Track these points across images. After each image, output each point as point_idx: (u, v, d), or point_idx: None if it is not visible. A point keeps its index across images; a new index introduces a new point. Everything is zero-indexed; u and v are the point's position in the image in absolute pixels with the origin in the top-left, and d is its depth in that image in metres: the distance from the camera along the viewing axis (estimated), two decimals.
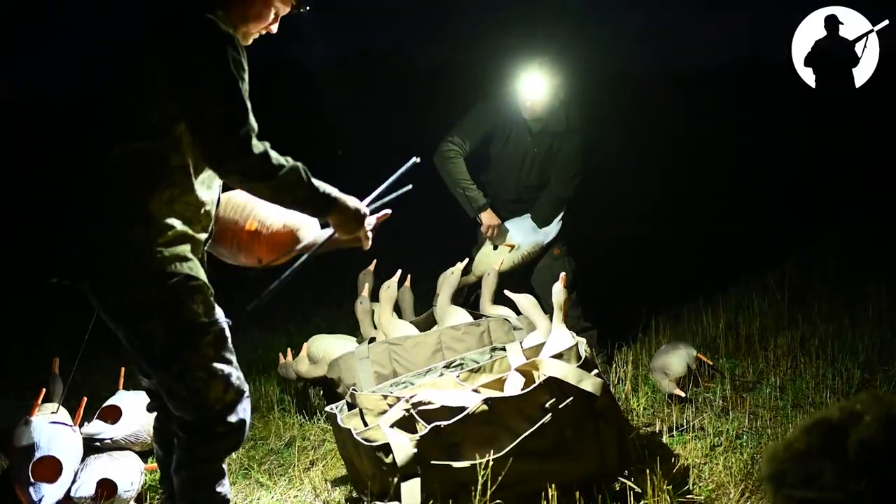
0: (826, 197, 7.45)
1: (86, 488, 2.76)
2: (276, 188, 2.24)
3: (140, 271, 2.23)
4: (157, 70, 2.20)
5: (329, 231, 2.50)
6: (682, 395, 3.50)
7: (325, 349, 3.68)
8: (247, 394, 2.37)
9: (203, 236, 2.40)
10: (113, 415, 3.09)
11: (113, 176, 2.26)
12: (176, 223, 2.28)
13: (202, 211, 2.36)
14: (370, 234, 2.49)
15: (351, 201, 2.39)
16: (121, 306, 2.27)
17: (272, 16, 2.43)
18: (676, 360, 3.62)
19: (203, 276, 2.33)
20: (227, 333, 2.35)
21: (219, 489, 2.40)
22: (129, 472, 2.87)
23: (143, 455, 3.17)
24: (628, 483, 2.75)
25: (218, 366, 2.30)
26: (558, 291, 3.08)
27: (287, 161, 2.25)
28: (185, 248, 2.30)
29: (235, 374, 2.34)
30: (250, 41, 2.44)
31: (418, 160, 2.72)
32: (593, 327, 4.13)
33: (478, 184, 4.20)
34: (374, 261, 3.84)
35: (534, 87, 3.92)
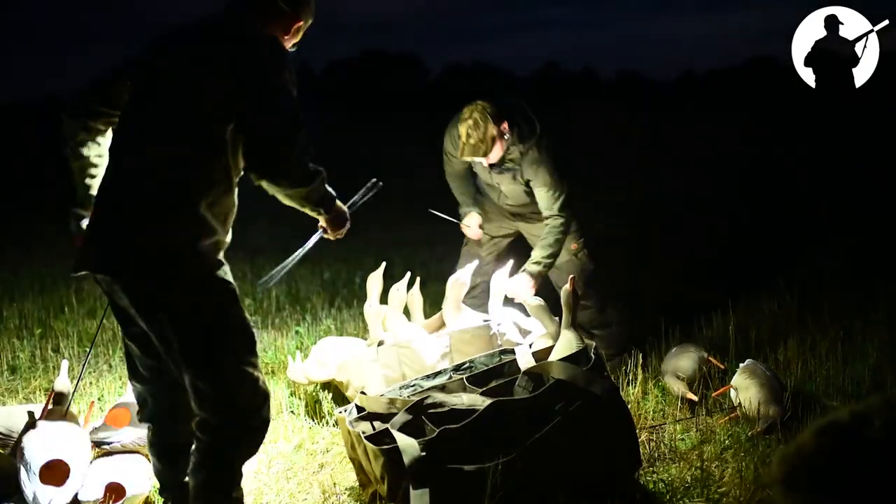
0: (837, 197, 7.42)
1: (94, 491, 2.76)
2: (309, 192, 2.46)
3: (188, 272, 2.30)
4: (211, 78, 2.31)
5: (319, 232, 2.81)
6: (694, 398, 3.48)
7: (335, 352, 3.68)
8: (269, 397, 2.45)
9: (228, 239, 2.47)
10: (121, 417, 3.10)
11: (161, 175, 2.30)
12: (217, 227, 2.36)
13: (231, 216, 2.44)
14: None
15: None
16: (160, 306, 2.31)
17: (301, 32, 2.63)
18: (687, 362, 3.60)
19: (233, 281, 2.41)
20: (256, 338, 2.43)
21: (234, 494, 2.47)
22: (138, 476, 2.87)
23: None
24: (638, 487, 2.74)
25: (249, 370, 2.37)
26: (566, 293, 3.07)
27: (316, 167, 2.44)
28: (221, 254, 2.40)
29: (261, 378, 2.42)
30: None
31: (379, 183, 3.15)
32: (611, 325, 4.12)
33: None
34: (384, 263, 3.84)
35: (463, 149, 3.78)
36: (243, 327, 2.38)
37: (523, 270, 3.83)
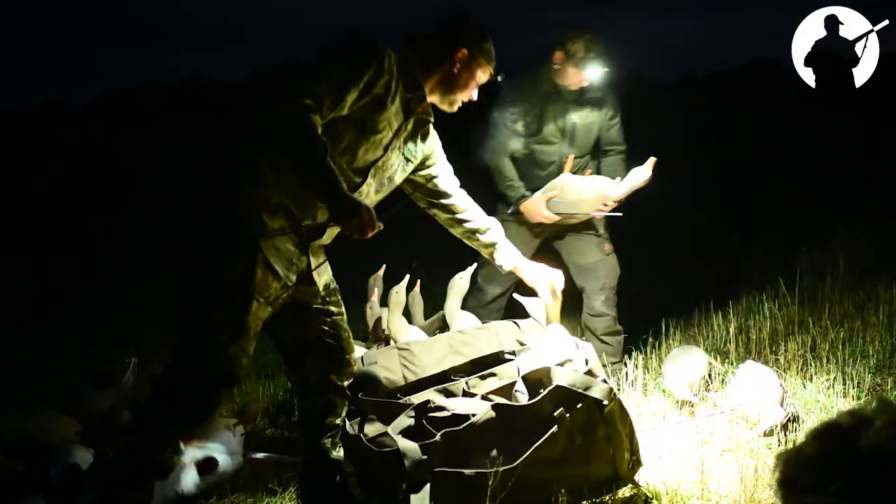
0: (837, 199, 7.41)
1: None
2: (301, 150, 2.27)
3: (234, 226, 2.38)
4: None
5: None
6: (696, 400, 3.48)
7: None
8: (231, 383, 2.48)
9: (307, 223, 2.50)
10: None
11: (239, 139, 2.48)
12: (280, 188, 2.40)
13: (306, 191, 2.44)
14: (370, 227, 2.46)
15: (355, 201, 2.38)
16: (187, 252, 2.44)
17: (474, 84, 2.68)
18: (689, 365, 3.59)
19: (281, 269, 2.43)
20: (250, 317, 2.42)
21: (159, 457, 2.49)
22: None
23: None
24: (639, 489, 2.74)
25: (226, 339, 2.40)
26: (547, 296, 3.09)
27: (320, 137, 2.28)
28: (285, 220, 2.45)
29: (238, 361, 2.43)
30: (455, 108, 2.71)
31: None
32: (623, 332, 4.11)
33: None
34: (384, 265, 3.84)
35: (588, 59, 3.81)
36: (250, 293, 2.39)
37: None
